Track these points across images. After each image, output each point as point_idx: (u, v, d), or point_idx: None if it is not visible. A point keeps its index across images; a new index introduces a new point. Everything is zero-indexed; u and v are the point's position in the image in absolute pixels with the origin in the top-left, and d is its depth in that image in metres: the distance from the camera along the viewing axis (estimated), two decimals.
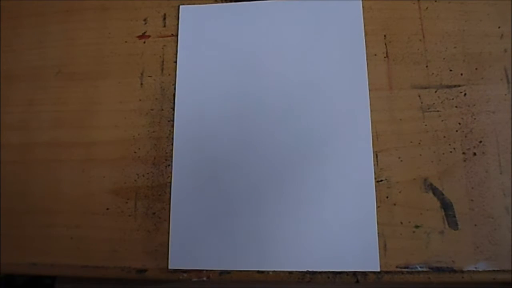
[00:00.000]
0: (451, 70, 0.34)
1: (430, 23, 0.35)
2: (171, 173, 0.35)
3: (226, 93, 0.36)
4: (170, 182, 0.35)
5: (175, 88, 0.36)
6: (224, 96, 0.36)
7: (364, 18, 0.36)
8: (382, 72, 0.35)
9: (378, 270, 0.31)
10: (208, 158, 0.35)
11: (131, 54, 0.38)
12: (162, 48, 0.38)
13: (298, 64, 0.36)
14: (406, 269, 0.31)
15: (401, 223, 0.32)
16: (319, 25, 0.36)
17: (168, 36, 0.38)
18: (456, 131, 0.33)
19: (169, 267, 0.33)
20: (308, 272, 0.32)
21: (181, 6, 0.38)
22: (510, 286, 0.32)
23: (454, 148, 0.33)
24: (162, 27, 0.38)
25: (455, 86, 0.34)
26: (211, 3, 0.38)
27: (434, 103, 0.34)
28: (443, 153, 0.33)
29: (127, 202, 0.35)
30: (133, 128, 0.36)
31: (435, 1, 0.36)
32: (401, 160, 0.33)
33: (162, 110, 0.36)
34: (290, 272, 0.32)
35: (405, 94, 0.34)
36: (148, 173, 0.35)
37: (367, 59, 0.35)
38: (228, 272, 0.33)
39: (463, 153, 0.33)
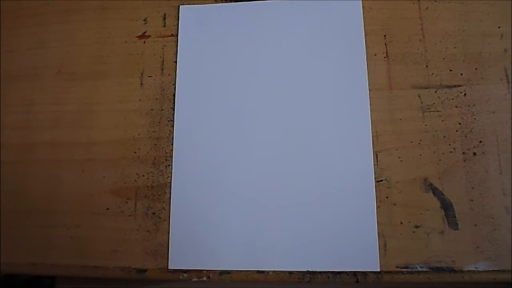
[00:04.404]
0: (451, 70, 0.34)
1: (430, 23, 0.35)
2: (171, 173, 0.35)
3: (226, 93, 0.36)
4: (170, 182, 0.35)
5: (175, 88, 0.36)
6: (224, 96, 0.36)
7: (364, 18, 0.36)
8: (382, 72, 0.35)
9: (378, 270, 0.31)
10: (208, 158, 0.35)
11: (131, 54, 0.38)
12: (162, 48, 0.38)
13: (298, 64, 0.36)
14: (406, 269, 0.31)
15: (401, 223, 0.32)
16: (319, 25, 0.36)
17: (168, 36, 0.38)
18: (456, 131, 0.33)
19: (169, 267, 0.33)
20: (308, 272, 0.32)
21: (181, 6, 0.38)
22: (510, 286, 0.32)
23: (454, 148, 0.33)
24: (162, 27, 0.38)
25: (455, 86, 0.34)
26: (211, 3, 0.38)
27: (434, 103, 0.34)
28: (443, 153, 0.33)
29: (127, 202, 0.35)
30: (133, 128, 0.36)
31: (435, 1, 0.36)
32: (401, 160, 0.33)
33: (162, 110, 0.36)
34: (290, 272, 0.32)
35: (405, 94, 0.34)
36: (148, 173, 0.35)
37: (367, 59, 0.35)
38: (228, 272, 0.33)
39: (463, 153, 0.33)
